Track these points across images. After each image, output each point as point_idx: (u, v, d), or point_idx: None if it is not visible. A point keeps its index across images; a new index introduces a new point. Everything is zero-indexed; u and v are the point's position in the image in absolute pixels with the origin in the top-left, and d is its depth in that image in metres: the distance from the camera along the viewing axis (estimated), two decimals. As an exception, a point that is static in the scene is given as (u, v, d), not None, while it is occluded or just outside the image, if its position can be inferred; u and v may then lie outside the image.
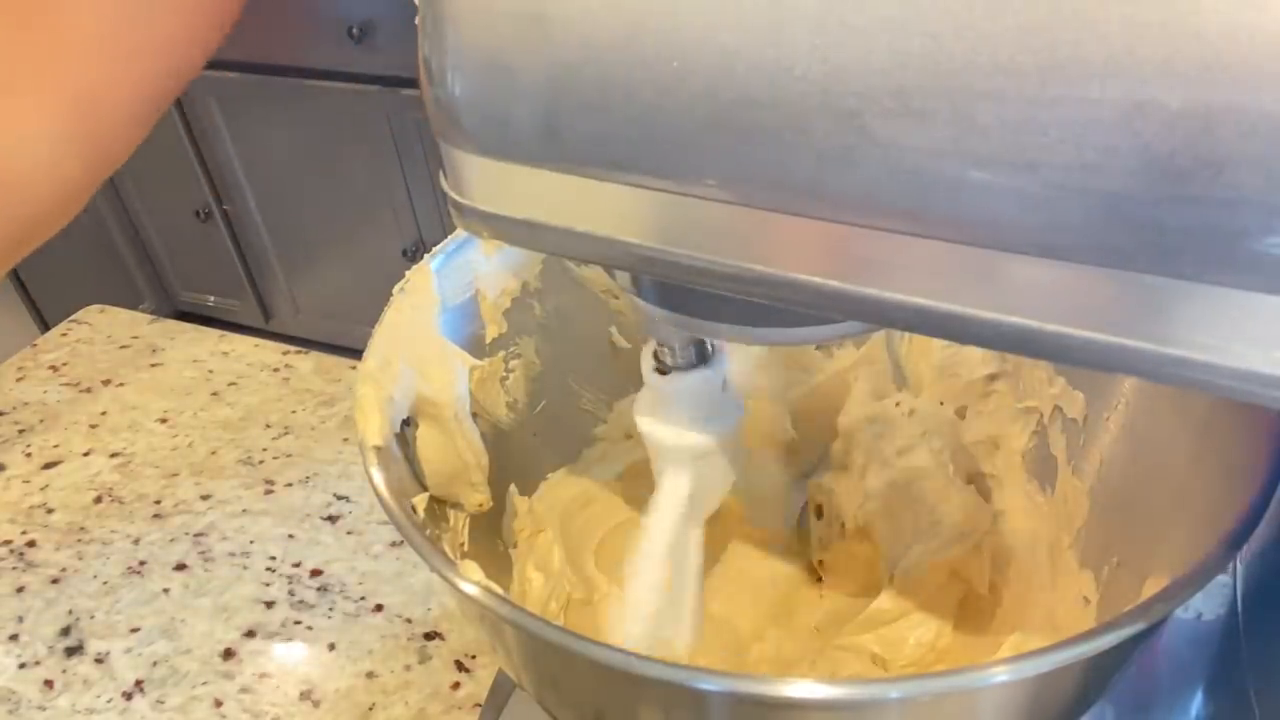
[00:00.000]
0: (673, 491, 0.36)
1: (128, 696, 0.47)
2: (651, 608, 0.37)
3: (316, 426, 0.64)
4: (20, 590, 0.53)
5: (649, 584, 0.37)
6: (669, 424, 0.35)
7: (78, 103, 0.36)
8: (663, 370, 0.34)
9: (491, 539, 0.43)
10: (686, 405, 0.34)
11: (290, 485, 0.59)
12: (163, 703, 0.47)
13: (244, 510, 0.58)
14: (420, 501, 0.36)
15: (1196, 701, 0.39)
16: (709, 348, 0.34)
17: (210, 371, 0.70)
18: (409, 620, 0.50)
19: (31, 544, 0.56)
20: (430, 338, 0.39)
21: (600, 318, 0.47)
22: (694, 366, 0.34)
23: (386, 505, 0.31)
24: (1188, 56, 0.16)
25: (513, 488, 0.45)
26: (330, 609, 0.51)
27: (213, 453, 0.62)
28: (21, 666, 0.49)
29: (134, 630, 0.51)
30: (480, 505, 0.41)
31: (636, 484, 0.49)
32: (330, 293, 1.85)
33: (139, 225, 2.07)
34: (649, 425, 0.35)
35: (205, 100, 1.75)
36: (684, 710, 0.27)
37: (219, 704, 0.47)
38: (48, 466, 0.62)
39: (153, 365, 0.71)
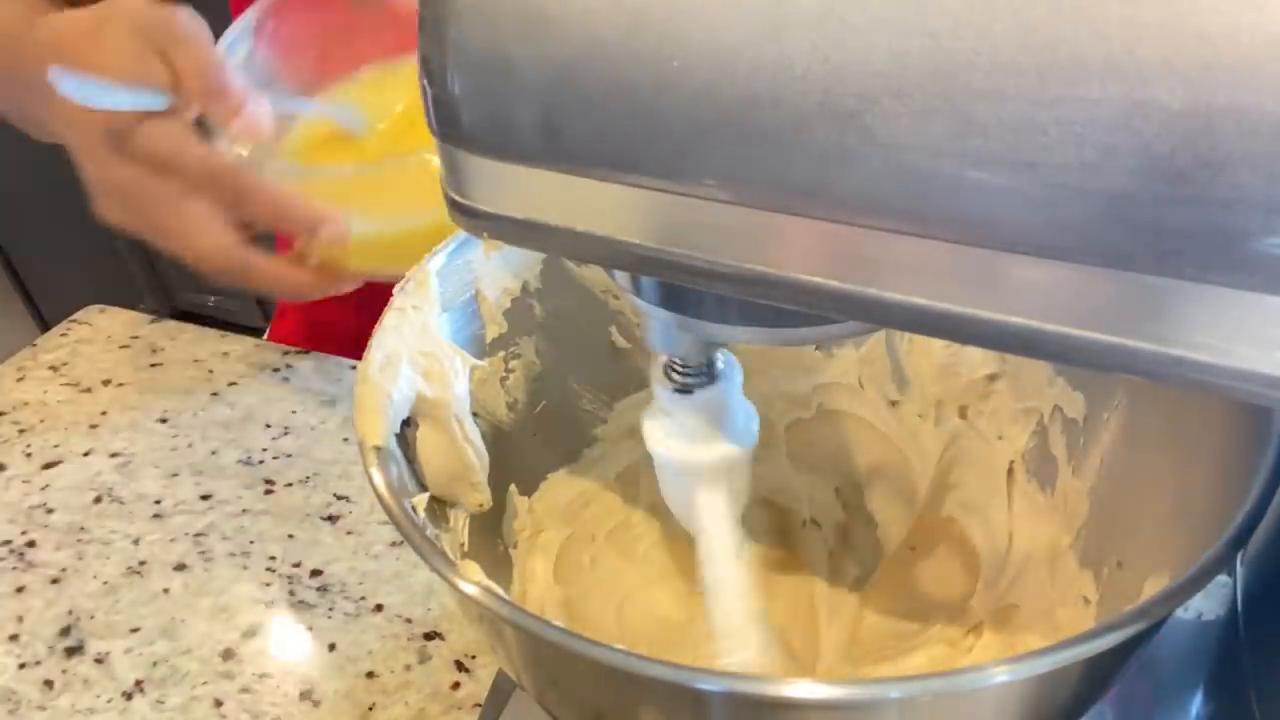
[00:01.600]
0: (714, 510, 0.35)
1: (128, 696, 0.47)
2: (743, 625, 0.35)
3: (316, 426, 0.64)
4: (20, 590, 0.53)
5: (736, 609, 0.35)
6: (692, 441, 0.34)
7: None
8: (682, 388, 0.33)
9: (491, 539, 0.43)
10: (708, 418, 0.33)
11: (290, 485, 0.59)
12: (163, 703, 0.47)
13: (244, 510, 0.58)
14: (420, 501, 0.36)
15: (1196, 701, 0.39)
16: (720, 359, 0.33)
17: (210, 371, 0.70)
18: (409, 620, 0.50)
19: (31, 544, 0.56)
20: (430, 338, 0.39)
21: (600, 318, 0.47)
22: (712, 379, 0.33)
23: (386, 505, 0.31)
24: (1188, 56, 0.16)
25: (513, 488, 0.45)
26: (330, 609, 0.51)
27: (213, 453, 0.62)
28: (21, 666, 0.49)
29: (134, 630, 0.51)
30: (480, 505, 0.41)
31: (636, 484, 0.49)
32: (330, 293, 1.85)
33: (139, 225, 2.06)
34: (668, 445, 0.34)
35: (205, 100, 1.75)
36: (684, 710, 0.27)
37: (219, 704, 0.47)
38: (48, 466, 0.62)
39: (153, 365, 0.71)
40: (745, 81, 0.19)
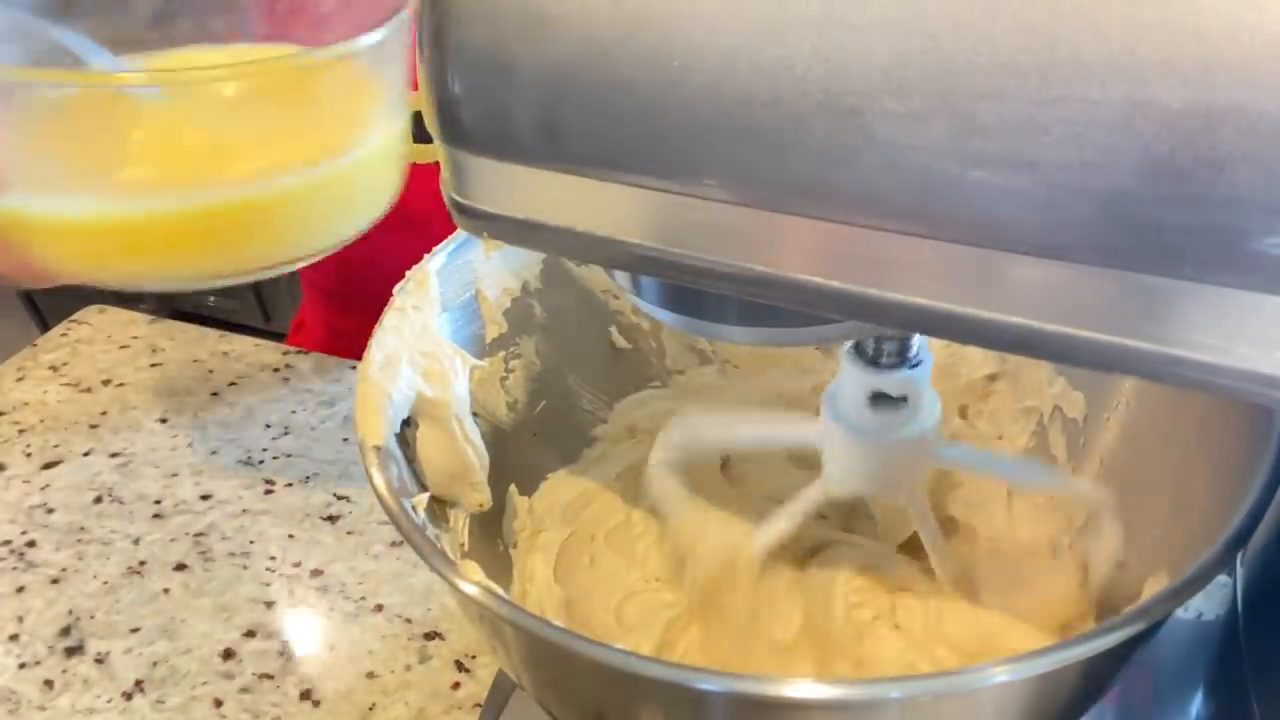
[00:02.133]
0: (924, 502, 0.36)
1: (128, 696, 0.47)
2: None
3: (316, 426, 0.64)
4: (20, 590, 0.53)
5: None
6: (894, 423, 0.33)
7: None
8: (903, 365, 0.32)
9: (491, 539, 0.43)
10: (914, 398, 0.33)
11: (290, 485, 0.59)
12: (163, 703, 0.47)
13: (244, 510, 0.58)
14: (420, 501, 0.36)
15: (1196, 701, 0.39)
16: (915, 343, 0.32)
17: (210, 371, 0.70)
18: (409, 620, 0.50)
19: (31, 544, 0.56)
20: (430, 338, 0.39)
21: (600, 318, 0.47)
22: (901, 364, 0.32)
23: (386, 505, 0.31)
24: (1188, 56, 0.16)
25: (513, 488, 0.45)
26: (330, 609, 0.51)
27: (213, 453, 0.62)
28: (21, 666, 0.49)
29: (134, 630, 0.51)
30: (480, 505, 0.41)
31: (636, 484, 0.49)
32: (330, 293, 1.85)
33: (139, 225, 2.06)
34: (871, 426, 0.33)
35: (205, 100, 1.75)
36: (684, 710, 0.27)
37: (219, 704, 0.47)
38: (48, 466, 0.62)
39: (153, 365, 0.71)
40: (745, 81, 0.19)
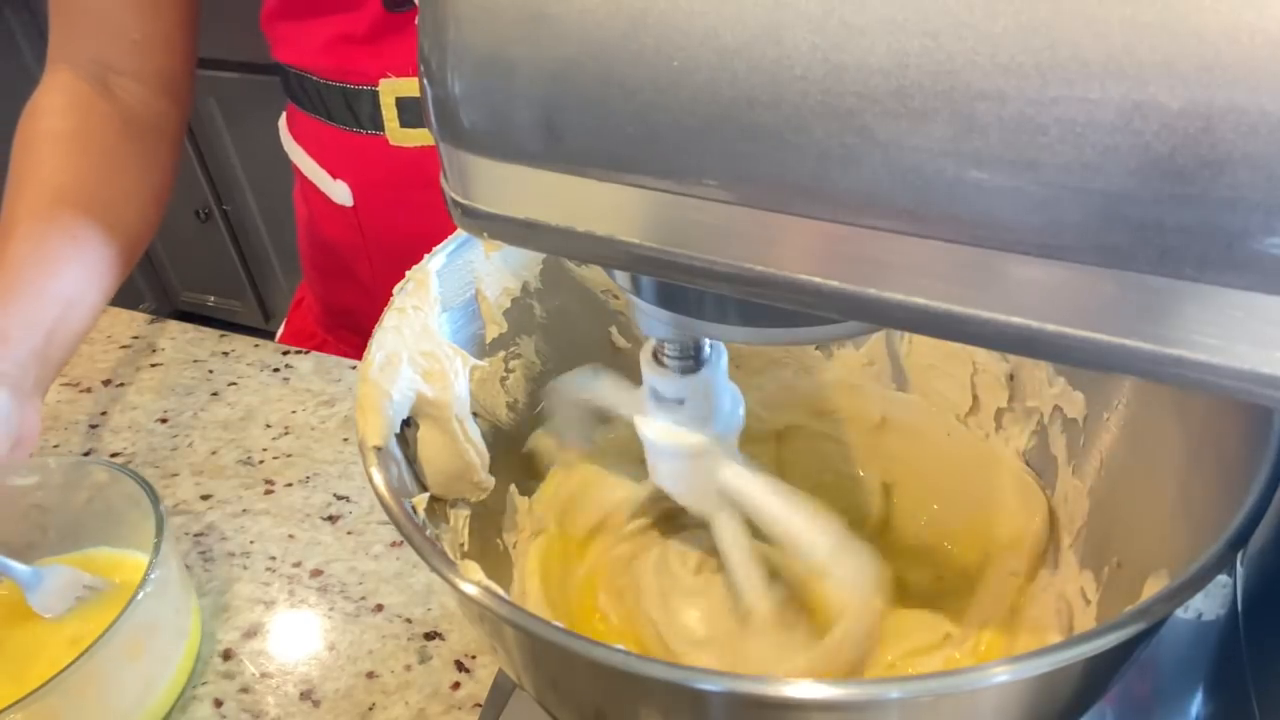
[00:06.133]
0: (730, 522, 0.36)
1: (128, 696, 0.47)
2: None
3: (316, 426, 0.64)
4: (20, 590, 0.53)
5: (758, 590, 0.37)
6: (681, 424, 0.34)
7: None
8: (676, 369, 0.33)
9: (491, 539, 0.43)
10: (697, 401, 0.34)
11: (290, 485, 0.59)
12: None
13: (244, 510, 0.58)
14: (420, 501, 0.36)
15: (1196, 701, 0.39)
16: (707, 344, 0.34)
17: (210, 371, 0.70)
18: (409, 620, 0.50)
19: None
20: (430, 338, 0.39)
21: (600, 318, 0.47)
22: (699, 364, 0.33)
23: (386, 505, 0.31)
24: (1188, 56, 0.16)
25: (513, 488, 0.45)
26: (330, 609, 0.51)
27: (213, 453, 0.62)
28: (21, 666, 0.49)
29: (134, 630, 0.51)
30: (481, 495, 0.41)
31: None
32: (330, 293, 1.85)
33: (139, 225, 2.06)
34: (653, 428, 0.35)
35: (205, 100, 1.75)
36: (684, 710, 0.27)
37: (219, 704, 0.47)
38: (48, 466, 0.62)
39: (153, 365, 0.71)
40: (745, 81, 0.19)
